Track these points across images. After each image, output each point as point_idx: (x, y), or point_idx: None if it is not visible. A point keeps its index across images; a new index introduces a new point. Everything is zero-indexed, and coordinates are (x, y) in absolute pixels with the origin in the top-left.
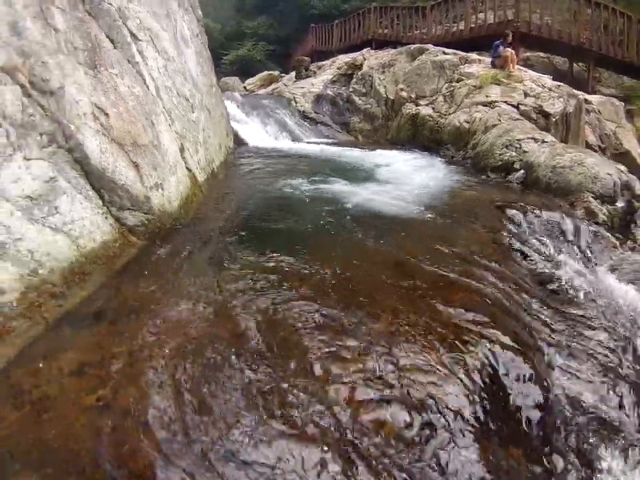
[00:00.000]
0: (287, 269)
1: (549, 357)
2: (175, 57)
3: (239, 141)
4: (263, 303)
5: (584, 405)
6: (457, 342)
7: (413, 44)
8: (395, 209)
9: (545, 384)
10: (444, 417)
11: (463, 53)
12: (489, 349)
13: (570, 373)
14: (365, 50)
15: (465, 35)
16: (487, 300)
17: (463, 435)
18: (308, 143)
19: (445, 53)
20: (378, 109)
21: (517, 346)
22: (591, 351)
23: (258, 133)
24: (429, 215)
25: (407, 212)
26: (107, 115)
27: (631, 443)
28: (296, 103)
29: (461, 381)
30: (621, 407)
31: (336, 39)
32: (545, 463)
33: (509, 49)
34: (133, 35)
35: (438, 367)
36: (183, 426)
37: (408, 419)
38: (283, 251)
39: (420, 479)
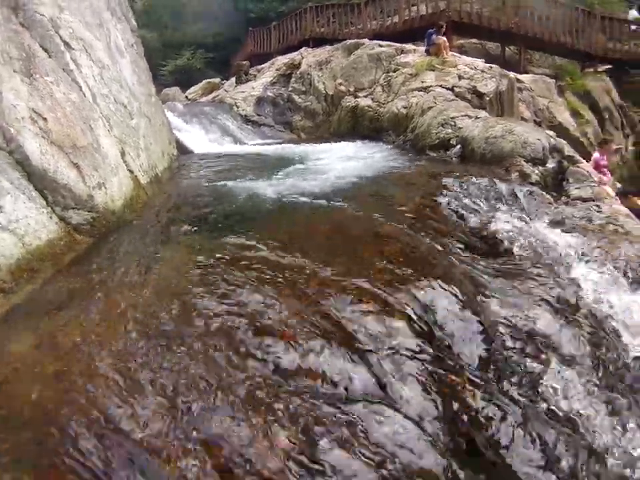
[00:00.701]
0: (213, 257)
1: (483, 289)
2: (109, 65)
3: (182, 149)
4: (197, 284)
5: (519, 330)
6: (392, 284)
7: (350, 40)
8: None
9: (480, 313)
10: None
11: (399, 45)
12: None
13: (504, 302)
14: (302, 49)
15: (399, 27)
16: (422, 249)
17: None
18: (251, 145)
19: (380, 46)
20: (318, 105)
21: (450, 284)
22: (523, 283)
23: (201, 140)
24: (344, 199)
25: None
26: (44, 119)
27: (567, 361)
28: (237, 107)
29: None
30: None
31: (274, 41)
32: (489, 386)
33: (442, 37)
34: (66, 44)
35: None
36: (125, 389)
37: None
38: (211, 239)
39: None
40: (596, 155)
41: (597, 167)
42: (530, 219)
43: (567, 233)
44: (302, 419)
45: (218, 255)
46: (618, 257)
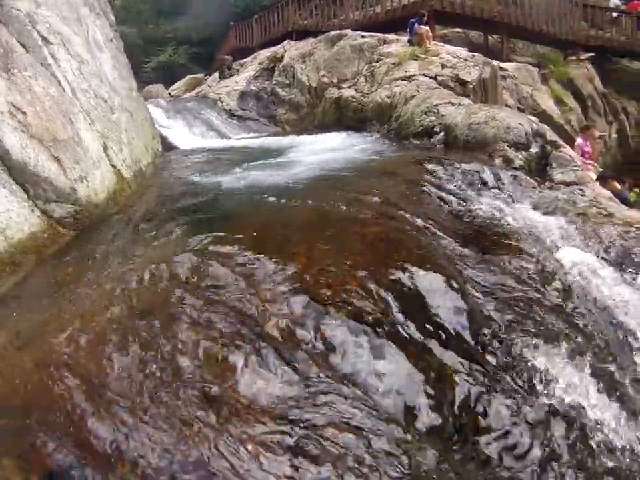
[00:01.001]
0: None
1: (465, 271)
2: (88, 60)
3: (167, 145)
4: (176, 279)
5: (503, 309)
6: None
7: (333, 31)
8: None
9: (462, 294)
10: None
11: (381, 35)
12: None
13: (486, 285)
14: (285, 42)
15: (382, 17)
16: (405, 231)
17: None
18: (236, 139)
19: (363, 37)
20: (302, 98)
21: (433, 266)
22: (505, 265)
23: (185, 136)
24: (326, 187)
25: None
26: (24, 113)
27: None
28: (221, 102)
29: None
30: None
31: (257, 35)
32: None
33: (424, 26)
34: (43, 38)
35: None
36: (100, 380)
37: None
38: (192, 233)
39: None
40: (579, 140)
41: (582, 153)
42: (514, 202)
43: (550, 215)
44: None
45: (199, 249)
46: (601, 238)
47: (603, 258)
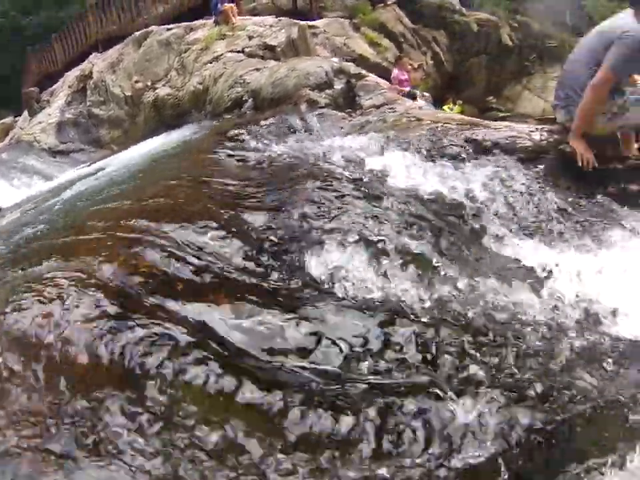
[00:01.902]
0: None
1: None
2: None
3: None
4: None
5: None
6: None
7: (138, 31)
8: None
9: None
10: None
11: (186, 23)
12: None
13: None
14: (92, 55)
15: (188, 3)
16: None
17: None
18: (62, 176)
19: (169, 29)
20: (121, 111)
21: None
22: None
23: (6, 192)
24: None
25: None
26: None
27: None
28: (38, 142)
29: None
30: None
31: (60, 55)
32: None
33: (228, 4)
34: None
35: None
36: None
37: None
38: None
39: None
40: (395, 71)
41: (400, 82)
42: (322, 136)
43: (362, 135)
44: None
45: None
46: (412, 139)
47: (415, 155)
